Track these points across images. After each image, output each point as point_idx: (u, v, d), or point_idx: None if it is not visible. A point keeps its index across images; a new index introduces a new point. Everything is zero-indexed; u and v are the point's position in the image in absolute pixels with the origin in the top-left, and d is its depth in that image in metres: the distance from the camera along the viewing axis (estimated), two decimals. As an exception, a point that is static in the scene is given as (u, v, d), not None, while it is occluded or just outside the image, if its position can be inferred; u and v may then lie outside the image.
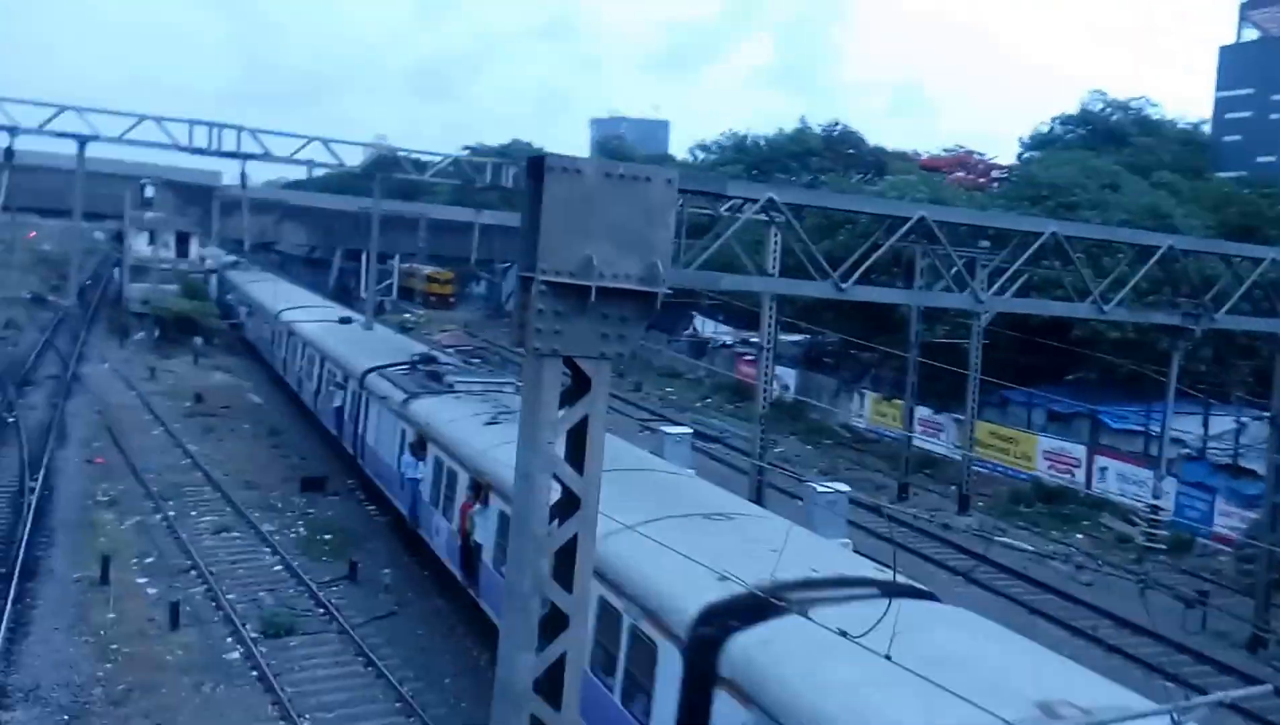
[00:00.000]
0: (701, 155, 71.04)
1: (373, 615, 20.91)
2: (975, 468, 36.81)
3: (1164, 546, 19.22)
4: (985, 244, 30.79)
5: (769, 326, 28.64)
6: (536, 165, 7.45)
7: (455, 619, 20.53)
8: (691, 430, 32.34)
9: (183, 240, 59.70)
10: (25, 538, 23.42)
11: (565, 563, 7.84)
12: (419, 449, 23.12)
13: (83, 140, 27.93)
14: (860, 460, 39.50)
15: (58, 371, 44.34)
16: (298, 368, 39.13)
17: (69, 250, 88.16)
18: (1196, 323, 10.72)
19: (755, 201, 9.16)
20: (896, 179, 45.08)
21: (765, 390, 28.63)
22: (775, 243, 27.48)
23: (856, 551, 26.29)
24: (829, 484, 27.00)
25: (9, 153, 28.19)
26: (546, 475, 7.61)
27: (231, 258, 68.52)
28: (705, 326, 57.76)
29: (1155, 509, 16.76)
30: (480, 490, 19.05)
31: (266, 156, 30.49)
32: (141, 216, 57.10)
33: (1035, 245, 11.64)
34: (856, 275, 10.14)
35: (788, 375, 47.60)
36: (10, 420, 34.88)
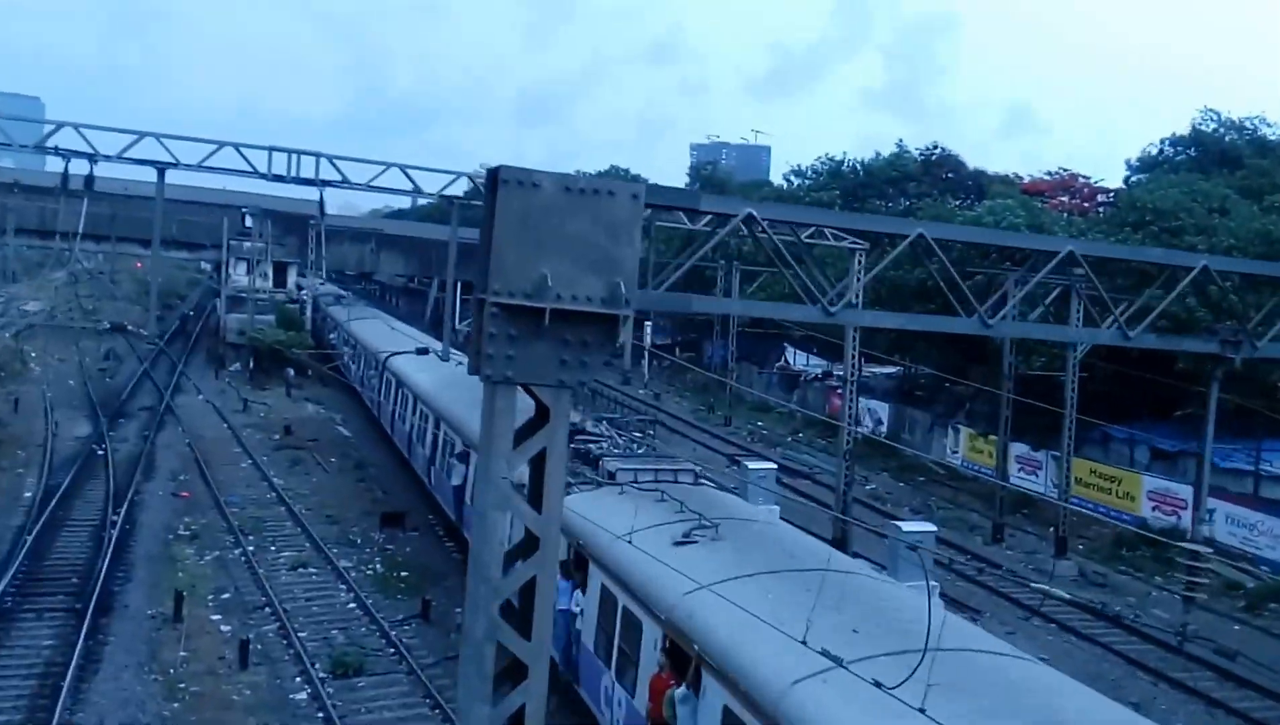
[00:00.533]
0: (796, 181, 70.59)
1: (444, 655, 21.00)
2: (1075, 508, 35.71)
3: (1204, 595, 18.13)
4: (1080, 272, 29.98)
5: (852, 357, 28.15)
6: (492, 177, 7.19)
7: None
8: (775, 466, 31.92)
9: (280, 270, 61.33)
10: (103, 572, 24.15)
11: (524, 608, 7.62)
12: (575, 569, 17.38)
13: (162, 167, 28.78)
14: (954, 498, 38.62)
15: (152, 403, 45.76)
16: (406, 426, 34.69)
17: (168, 280, 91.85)
18: (1236, 352, 10.20)
19: (732, 216, 8.75)
20: (993, 203, 44.08)
21: (850, 423, 28.08)
22: (860, 267, 27.05)
23: (943, 594, 25.82)
24: (915, 523, 26.49)
25: (89, 180, 29.22)
26: (502, 513, 7.38)
27: (329, 288, 70.05)
28: (797, 359, 57.22)
29: (1196, 555, 15.84)
30: (686, 664, 13.25)
31: (344, 184, 31.12)
32: (240, 246, 58.76)
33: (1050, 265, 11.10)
34: (846, 299, 9.62)
35: (881, 409, 46.90)
36: (100, 452, 36.09)
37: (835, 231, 27.65)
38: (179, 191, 54.35)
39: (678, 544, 15.42)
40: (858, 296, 27.67)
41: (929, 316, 27.21)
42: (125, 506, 29.67)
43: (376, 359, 41.17)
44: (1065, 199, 61.06)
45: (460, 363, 37.08)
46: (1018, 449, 38.45)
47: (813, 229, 26.65)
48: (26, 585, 23.46)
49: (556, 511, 7.54)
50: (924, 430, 44.44)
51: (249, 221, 57.29)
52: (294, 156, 29.97)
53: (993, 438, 37.83)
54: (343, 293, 67.58)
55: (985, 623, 25.13)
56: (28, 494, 30.99)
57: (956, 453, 42.49)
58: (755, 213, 8.37)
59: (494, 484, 7.28)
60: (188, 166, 28.73)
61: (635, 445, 22.64)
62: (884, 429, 46.48)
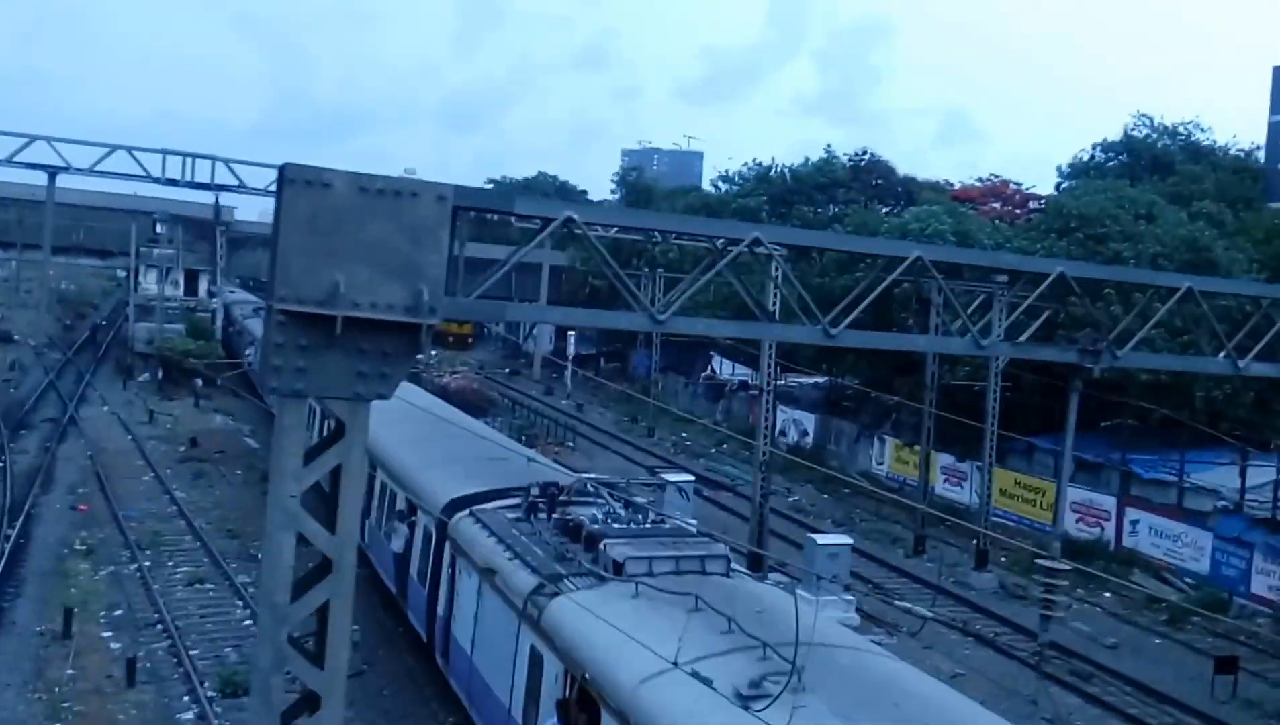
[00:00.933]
0: (724, 186, 70.85)
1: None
2: (999, 519, 36.09)
3: (1061, 613, 18.00)
4: (1002, 279, 30.33)
5: (768, 367, 28.29)
6: (280, 176, 6.76)
7: (424, 681, 20.19)
8: (693, 477, 31.92)
9: (191, 277, 60.23)
10: (-8, 588, 23.50)
11: (318, 635, 7.31)
12: (579, 713, 12.49)
13: (53, 171, 28.15)
14: (878, 510, 38.84)
15: (56, 414, 44.68)
16: None
17: (81, 288, 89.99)
18: (1096, 361, 10.28)
19: (552, 220, 8.42)
20: (919, 210, 44.57)
21: (765, 435, 28.18)
22: (777, 278, 27.11)
23: (859, 610, 25.92)
24: (831, 536, 26.63)
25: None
26: (290, 534, 7.11)
27: (243, 296, 69.01)
28: (723, 368, 57.39)
29: (1051, 572, 15.86)
30: None
31: (240, 188, 30.77)
32: (150, 252, 57.68)
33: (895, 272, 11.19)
34: (675, 306, 9.43)
35: (807, 420, 47.13)
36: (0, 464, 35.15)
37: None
38: (91, 197, 53.39)
39: (745, 700, 10.28)
40: (774, 305, 27.99)
41: (918, 337, 27.47)
42: (20, 520, 28.88)
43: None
44: (996, 206, 61.96)
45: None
46: (944, 460, 38.81)
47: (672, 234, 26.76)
48: (-93, 602, 22.72)
49: (351, 532, 7.24)
50: (850, 441, 44.74)
51: (160, 227, 56.23)
52: (189, 160, 29.57)
53: (919, 448, 38.17)
54: (258, 302, 66.58)
55: (900, 637, 25.33)
56: (-84, 507, 30.05)
57: (883, 464, 42.82)
58: (575, 216, 8.13)
59: (282, 504, 6.95)
60: (79, 171, 28.20)
61: (637, 515, 16.90)
62: (809, 440, 46.70)
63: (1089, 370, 10.48)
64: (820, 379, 48.95)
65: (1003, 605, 28.88)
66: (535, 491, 17.84)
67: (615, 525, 16.03)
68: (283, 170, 6.61)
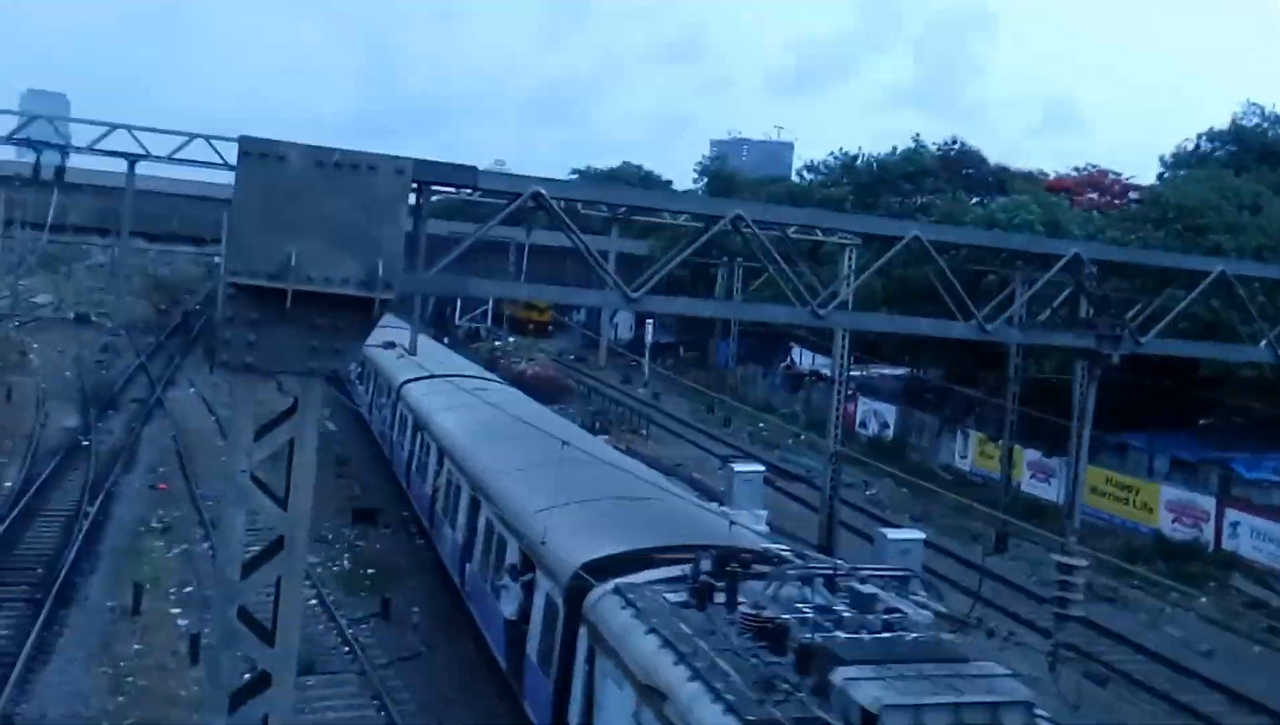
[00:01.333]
0: (810, 177, 69.94)
1: (398, 656, 20.81)
2: (1089, 518, 35.06)
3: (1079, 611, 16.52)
4: (1090, 272, 29.48)
5: (841, 356, 27.81)
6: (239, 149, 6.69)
7: (480, 664, 20.23)
8: (763, 468, 31.65)
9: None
10: (69, 564, 24.13)
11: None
12: None
13: (132, 159, 28.84)
14: (959, 506, 37.98)
15: (144, 396, 45.89)
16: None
17: (180, 274, 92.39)
18: (1115, 347, 9.74)
19: (519, 195, 8.18)
20: (1007, 200, 43.52)
21: (837, 424, 27.74)
22: (851, 266, 26.72)
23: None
24: (903, 531, 26.16)
25: (60, 171, 29.29)
26: (240, 510, 7.02)
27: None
28: (803, 358, 56.72)
29: (1068, 567, 14.68)
30: None
31: None
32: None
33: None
34: (650, 285, 9.10)
35: (887, 412, 46.39)
36: (85, 444, 36.19)
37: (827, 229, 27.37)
38: (185, 186, 54.67)
39: None
40: (848, 296, 27.51)
41: (921, 320, 26.78)
42: (101, 498, 29.70)
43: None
44: (1094, 196, 60.24)
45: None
46: (1030, 455, 37.87)
47: (793, 227, 26.40)
48: (-10, 575, 23.44)
49: (304, 509, 7.11)
50: (933, 434, 43.92)
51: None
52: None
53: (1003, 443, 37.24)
54: None
55: (976, 634, 24.69)
56: (8, 484, 31.18)
57: (966, 458, 41.94)
58: (544, 191, 7.87)
59: (234, 480, 6.85)
60: (157, 158, 28.85)
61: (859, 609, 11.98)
62: (890, 432, 45.97)
63: (1107, 357, 10.00)
64: (903, 371, 48.16)
65: (1086, 607, 27.89)
66: (706, 564, 12.86)
67: (840, 635, 11.07)
68: (240, 142, 6.56)
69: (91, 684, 18.70)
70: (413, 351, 28.99)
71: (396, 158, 6.96)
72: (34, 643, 19.71)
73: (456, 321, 65.26)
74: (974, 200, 55.41)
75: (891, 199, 58.23)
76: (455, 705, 18.89)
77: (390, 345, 34.86)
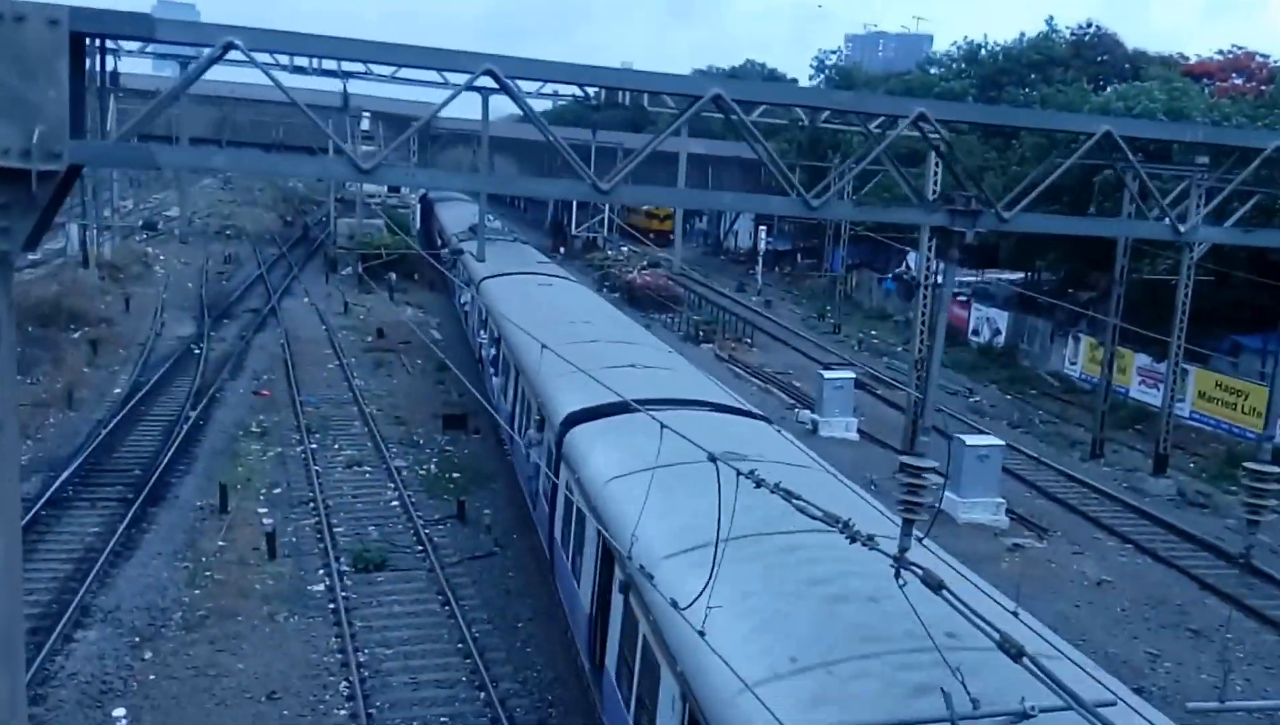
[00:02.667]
0: (933, 70, 67.38)
1: (468, 555, 21.34)
2: (1195, 424, 33.82)
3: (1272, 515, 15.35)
4: (1204, 160, 28.04)
5: (927, 256, 27.06)
6: None
7: (548, 562, 20.62)
8: (854, 375, 31.21)
9: (394, 174, 62.01)
10: (164, 464, 25.31)
11: None
12: None
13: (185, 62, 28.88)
14: (1063, 412, 37.00)
15: (259, 305, 47.49)
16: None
17: (306, 186, 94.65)
18: (1180, 236, 8.96)
19: (208, 44, 7.03)
20: (1127, 86, 41.13)
21: (922, 328, 27.09)
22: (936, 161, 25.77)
23: (1010, 512, 24.86)
24: (982, 437, 25.61)
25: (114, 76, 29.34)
26: None
27: (447, 194, 70.98)
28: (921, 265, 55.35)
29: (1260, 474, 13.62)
30: None
31: (366, 75, 31.41)
32: (355, 150, 59.81)
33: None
34: (622, 175, 8.51)
35: (1000, 318, 45.15)
36: (196, 351, 37.72)
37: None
38: (295, 94, 55.60)
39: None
40: (935, 190, 26.64)
41: (1104, 221, 25.75)
42: (204, 403, 30.98)
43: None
44: (1239, 81, 56.70)
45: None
46: (1141, 360, 36.51)
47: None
48: (90, 476, 24.69)
49: (8, 399, 6.33)
50: (1044, 340, 42.58)
51: (365, 124, 58.06)
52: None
53: (1120, 348, 35.83)
54: (454, 194, 68.21)
55: (1053, 540, 24.25)
56: (117, 390, 32.64)
57: (1075, 364, 40.59)
58: (237, 41, 6.85)
59: None
60: (231, 62, 29.04)
61: None
62: (1001, 339, 44.79)
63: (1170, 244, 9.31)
64: (1018, 276, 46.69)
65: (1177, 513, 27.05)
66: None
67: None
68: None
69: (170, 577, 19.62)
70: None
71: (48, 5, 6.25)
72: (120, 539, 20.78)
73: (574, 231, 65.44)
74: (1106, 90, 52.65)
75: (1016, 90, 55.77)
76: (517, 600, 19.31)
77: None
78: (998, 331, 45.09)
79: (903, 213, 8.92)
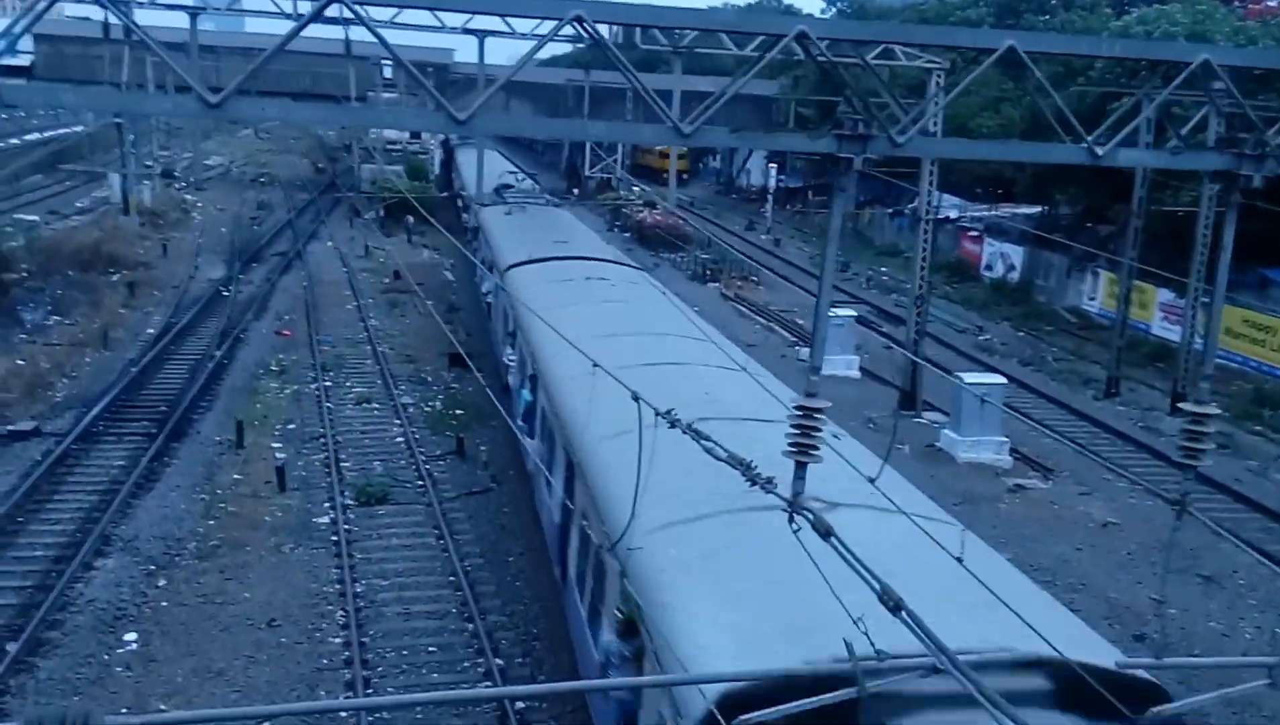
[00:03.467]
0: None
1: (465, 491, 21.78)
2: (1221, 361, 33.21)
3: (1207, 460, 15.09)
4: (1220, 87, 27.30)
5: (928, 187, 26.81)
6: None
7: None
8: (854, 313, 31.23)
9: (415, 120, 61.93)
10: (188, 402, 25.89)
11: None
12: None
13: (194, 11, 29.07)
14: (1079, 350, 36.48)
15: (286, 249, 47.93)
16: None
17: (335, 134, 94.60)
18: (1258, 168, 8.66)
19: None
20: (1149, 10, 39.64)
21: (923, 262, 26.94)
22: (939, 89, 25.48)
23: (1013, 451, 24.68)
24: (983, 375, 25.50)
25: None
26: None
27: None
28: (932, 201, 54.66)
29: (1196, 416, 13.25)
30: None
31: (355, 21, 31.16)
32: (377, 98, 59.70)
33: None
34: (704, 117, 8.51)
35: (1015, 253, 44.46)
36: (225, 293, 38.27)
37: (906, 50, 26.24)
38: (316, 44, 55.48)
39: None
40: (936, 123, 26.33)
41: (1021, 144, 25.36)
42: (229, 343, 31.54)
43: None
44: (1273, 3, 54.90)
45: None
46: (1163, 296, 35.63)
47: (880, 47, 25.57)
48: (120, 412, 25.32)
49: None
50: (1061, 275, 41.84)
51: (387, 73, 57.93)
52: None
53: (1139, 284, 35.03)
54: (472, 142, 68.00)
55: (1059, 480, 24.10)
56: (150, 331, 33.27)
57: (1094, 300, 39.90)
58: (584, 15, 7.09)
59: None
60: (216, 10, 29.03)
61: None
62: (1016, 275, 44.20)
63: (1247, 178, 8.90)
64: (1033, 210, 45.87)
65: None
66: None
67: None
68: None
69: (187, 509, 20.19)
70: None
71: None
72: (142, 472, 21.40)
73: (588, 172, 65.13)
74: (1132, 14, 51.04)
75: (1034, 18, 54.19)
76: (509, 537, 19.73)
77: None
78: (1012, 267, 44.46)
79: (788, 140, 8.82)
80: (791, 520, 6.55)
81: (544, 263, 24.11)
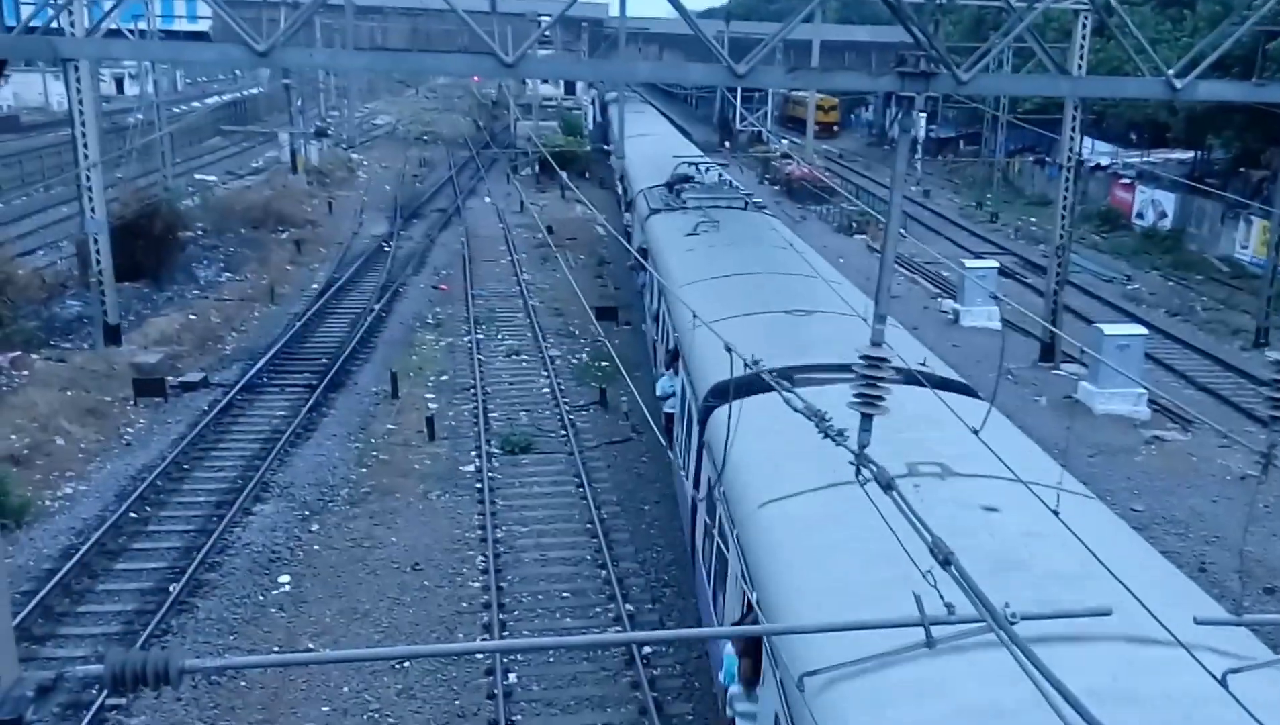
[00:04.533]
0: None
1: (606, 440, 21.59)
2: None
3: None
4: None
5: (1071, 131, 25.21)
6: None
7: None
8: (995, 266, 29.74)
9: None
10: (347, 353, 26.41)
11: None
12: None
13: None
14: (1229, 299, 34.31)
15: (446, 205, 48.57)
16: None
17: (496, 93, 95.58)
18: None
19: None
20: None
21: (1065, 210, 25.41)
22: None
23: (1151, 402, 23.30)
24: (1123, 326, 24.06)
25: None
26: None
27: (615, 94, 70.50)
28: (1085, 148, 51.93)
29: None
30: None
31: None
32: (535, 54, 59.82)
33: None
34: (759, 57, 7.87)
35: (1166, 200, 41.93)
36: (386, 249, 38.98)
37: None
38: (466, 3, 55.95)
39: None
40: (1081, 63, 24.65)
41: (1095, 79, 23.80)
42: (388, 297, 32.08)
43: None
44: None
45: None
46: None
47: None
48: (285, 364, 25.97)
49: None
50: (1214, 223, 39.34)
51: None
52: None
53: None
54: (630, 94, 67.58)
55: (1199, 432, 22.70)
56: (315, 286, 34.09)
57: (1247, 248, 37.41)
58: None
59: None
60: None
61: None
62: (1168, 222, 41.66)
63: None
64: (1186, 155, 43.18)
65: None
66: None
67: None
68: None
69: (341, 457, 20.56)
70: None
71: None
72: (301, 421, 21.88)
73: (739, 125, 64.20)
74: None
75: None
76: (646, 485, 19.48)
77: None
78: (1164, 215, 41.96)
79: (848, 78, 8.12)
80: (858, 473, 6.13)
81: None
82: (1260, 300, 30.00)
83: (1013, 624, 5.42)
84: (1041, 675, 4.05)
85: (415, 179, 56.81)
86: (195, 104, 70.63)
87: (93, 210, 25.20)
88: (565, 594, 15.75)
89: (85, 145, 24.56)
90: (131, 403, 22.82)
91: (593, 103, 66.99)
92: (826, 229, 44.17)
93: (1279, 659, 6.57)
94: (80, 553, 16.00)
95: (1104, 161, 47.94)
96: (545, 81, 60.80)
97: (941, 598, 5.61)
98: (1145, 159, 46.53)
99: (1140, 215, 43.49)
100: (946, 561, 4.75)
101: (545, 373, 25.74)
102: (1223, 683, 5.51)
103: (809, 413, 6.21)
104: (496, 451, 20.94)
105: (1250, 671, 5.93)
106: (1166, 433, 22.61)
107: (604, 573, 16.23)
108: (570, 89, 61.71)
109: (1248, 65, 32.27)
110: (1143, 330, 23.89)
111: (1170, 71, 8.83)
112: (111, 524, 17.04)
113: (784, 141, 54.67)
